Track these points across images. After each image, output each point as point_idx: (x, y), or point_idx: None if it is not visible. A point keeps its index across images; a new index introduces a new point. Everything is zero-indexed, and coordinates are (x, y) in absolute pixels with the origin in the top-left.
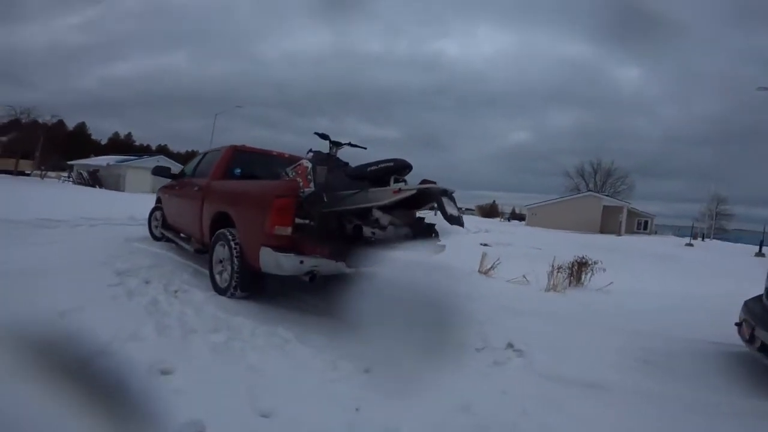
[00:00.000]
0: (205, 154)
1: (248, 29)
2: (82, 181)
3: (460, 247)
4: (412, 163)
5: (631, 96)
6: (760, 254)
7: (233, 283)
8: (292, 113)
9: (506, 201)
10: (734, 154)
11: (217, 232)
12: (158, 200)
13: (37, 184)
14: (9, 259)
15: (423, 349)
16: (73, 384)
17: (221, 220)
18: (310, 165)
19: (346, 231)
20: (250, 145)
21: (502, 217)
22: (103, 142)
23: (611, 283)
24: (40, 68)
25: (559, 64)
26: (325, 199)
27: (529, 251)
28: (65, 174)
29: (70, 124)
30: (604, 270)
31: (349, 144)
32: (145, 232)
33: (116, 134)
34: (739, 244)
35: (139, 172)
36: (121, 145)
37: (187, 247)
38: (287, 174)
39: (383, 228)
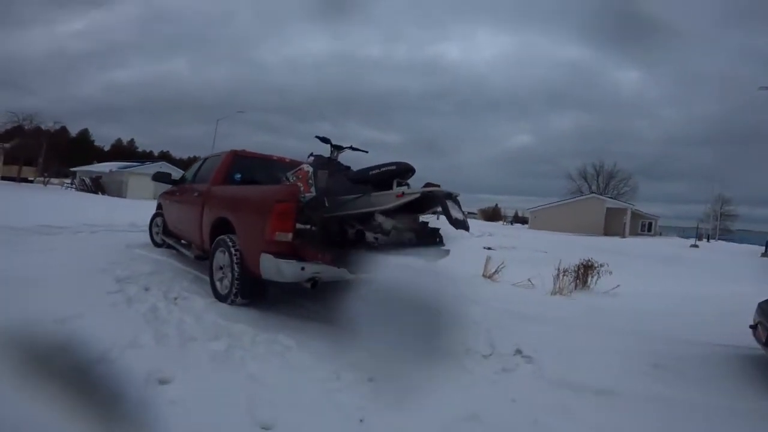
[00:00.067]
0: (206, 159)
1: (249, 35)
2: (84, 188)
3: (464, 251)
4: (414, 167)
5: (633, 97)
6: (766, 255)
7: (234, 290)
8: (294, 118)
9: (508, 204)
10: (737, 154)
11: (217, 239)
12: (159, 206)
13: (40, 191)
14: (10, 266)
15: (428, 356)
16: (69, 393)
17: (222, 226)
18: (311, 169)
19: (348, 236)
20: (251, 150)
21: (504, 221)
22: (106, 148)
23: (618, 285)
24: (42, 75)
25: (560, 66)
26: (327, 204)
27: (533, 254)
28: (68, 181)
29: (73, 131)
30: (611, 273)
31: (351, 148)
32: (146, 238)
33: (119, 141)
34: (744, 245)
35: (142, 179)
36: (124, 152)
37: (187, 253)
38: (288, 179)
39: (386, 233)
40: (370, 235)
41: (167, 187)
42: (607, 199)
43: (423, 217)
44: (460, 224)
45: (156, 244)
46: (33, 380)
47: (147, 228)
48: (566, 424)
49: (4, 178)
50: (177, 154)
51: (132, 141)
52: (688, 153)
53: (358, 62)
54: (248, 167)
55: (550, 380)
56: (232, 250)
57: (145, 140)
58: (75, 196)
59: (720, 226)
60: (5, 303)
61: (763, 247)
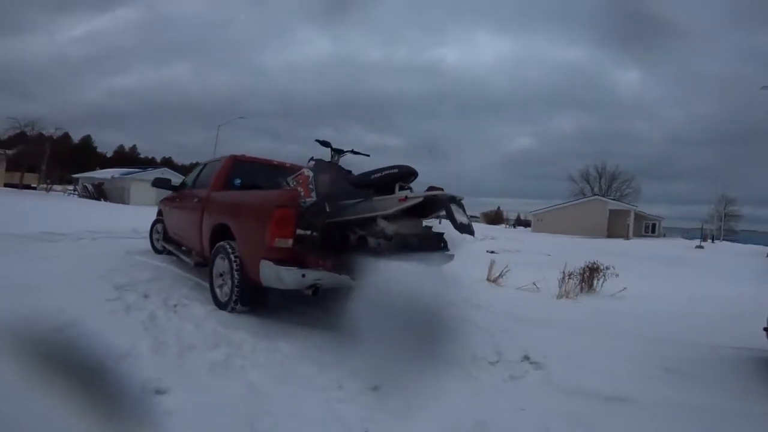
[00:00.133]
0: (206, 164)
1: (250, 41)
2: (87, 194)
3: (467, 255)
4: (417, 170)
5: (634, 98)
6: None
7: (234, 297)
8: (296, 123)
9: (511, 207)
10: (740, 154)
11: (216, 245)
12: (159, 212)
13: (43, 198)
14: (12, 273)
15: (433, 364)
16: (63, 403)
17: (221, 232)
18: (311, 174)
19: (350, 242)
20: (251, 154)
21: (507, 224)
22: (109, 154)
23: (624, 288)
24: (44, 81)
25: (560, 68)
26: (328, 209)
27: (537, 258)
28: (71, 187)
29: (76, 137)
30: (617, 275)
31: (352, 151)
32: (147, 245)
33: (121, 147)
34: (749, 245)
35: (144, 185)
36: (127, 158)
37: (187, 260)
38: (288, 183)
39: (389, 238)
40: (372, 241)
41: (169, 193)
42: (609, 200)
43: (426, 222)
44: (465, 229)
45: (157, 251)
46: (27, 389)
47: (148, 234)
48: None
49: (6, 185)
50: (179, 160)
51: (134, 147)
52: (691, 153)
53: (359, 66)
54: (248, 172)
55: (560, 387)
56: (232, 256)
57: (148, 146)
58: (77, 203)
59: (724, 227)
60: (5, 311)
61: None
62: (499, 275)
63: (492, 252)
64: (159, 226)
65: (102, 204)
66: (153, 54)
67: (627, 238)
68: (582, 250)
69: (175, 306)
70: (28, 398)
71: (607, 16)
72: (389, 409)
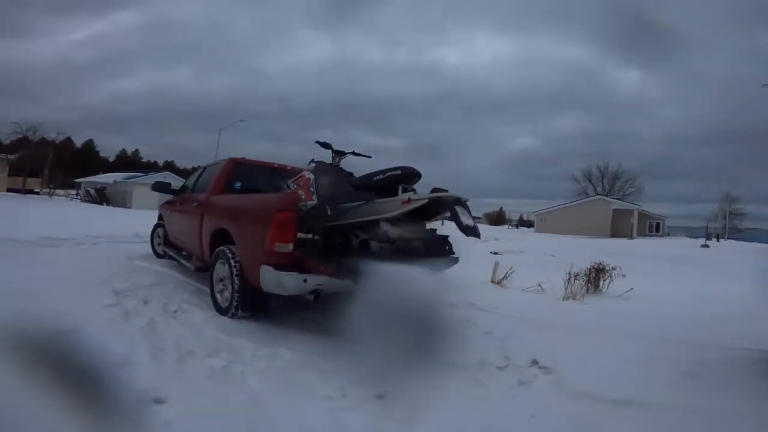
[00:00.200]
0: (206, 168)
1: (250, 43)
2: (89, 199)
3: (471, 257)
4: (420, 171)
5: (636, 98)
6: None
7: (234, 303)
8: (297, 126)
9: (513, 208)
10: (743, 152)
11: (216, 250)
12: (160, 216)
13: (45, 203)
14: (13, 279)
15: (440, 369)
16: (57, 412)
17: (221, 237)
18: (312, 176)
19: (352, 246)
20: (251, 157)
21: (509, 225)
22: (111, 159)
23: (631, 289)
24: (46, 85)
25: (561, 68)
26: (329, 212)
27: (541, 258)
28: (73, 192)
29: (78, 142)
30: (624, 276)
31: (353, 153)
32: (149, 249)
33: (123, 151)
34: (754, 243)
35: (146, 189)
36: (129, 162)
37: (188, 264)
38: (288, 186)
39: (392, 242)
40: (375, 244)
41: (170, 197)
42: (613, 200)
43: (430, 224)
44: (471, 231)
45: (158, 255)
46: (22, 397)
47: (149, 239)
48: None
49: (9, 190)
50: (181, 163)
51: (136, 151)
52: (694, 152)
53: (360, 68)
54: (248, 175)
55: (571, 392)
56: (232, 261)
57: (150, 150)
58: (79, 208)
59: (729, 225)
60: (3, 317)
61: None
62: (504, 277)
63: (495, 253)
64: (160, 231)
65: (104, 208)
66: (154, 57)
67: (631, 237)
68: (586, 250)
69: (175, 312)
70: (23, 406)
71: (607, 16)
72: (395, 417)
